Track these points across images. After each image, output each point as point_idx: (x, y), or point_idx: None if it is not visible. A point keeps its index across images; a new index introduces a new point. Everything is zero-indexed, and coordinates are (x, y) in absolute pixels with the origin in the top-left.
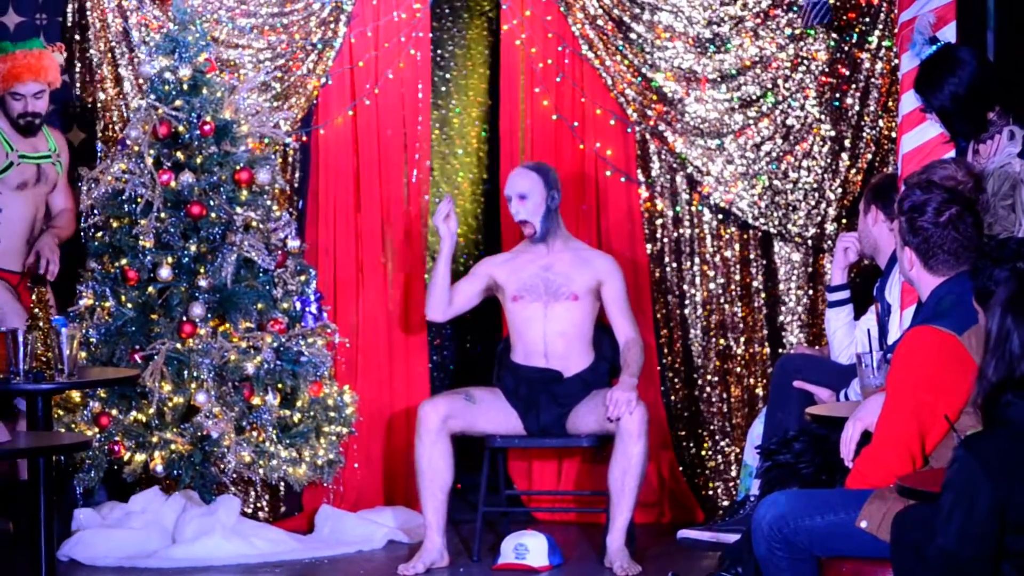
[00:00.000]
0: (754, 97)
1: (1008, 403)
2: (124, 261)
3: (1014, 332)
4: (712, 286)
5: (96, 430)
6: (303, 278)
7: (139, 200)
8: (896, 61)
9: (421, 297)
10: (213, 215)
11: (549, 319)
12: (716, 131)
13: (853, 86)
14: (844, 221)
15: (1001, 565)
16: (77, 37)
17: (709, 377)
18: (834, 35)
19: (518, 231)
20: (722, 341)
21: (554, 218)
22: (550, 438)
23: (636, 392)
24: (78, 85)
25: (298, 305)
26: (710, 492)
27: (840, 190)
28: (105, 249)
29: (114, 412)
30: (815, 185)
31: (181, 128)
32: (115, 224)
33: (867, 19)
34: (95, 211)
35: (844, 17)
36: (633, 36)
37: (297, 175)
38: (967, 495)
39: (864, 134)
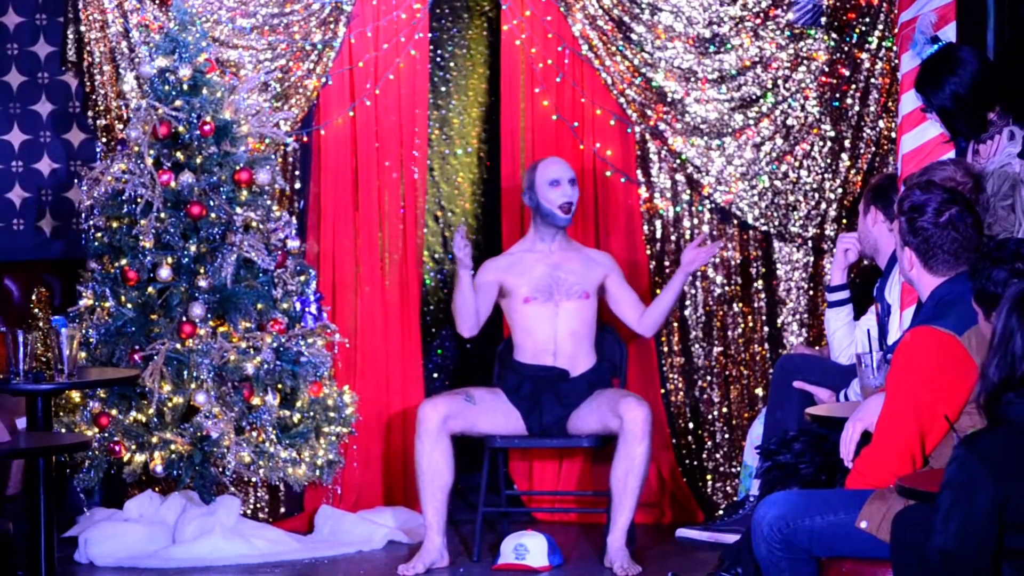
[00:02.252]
0: (754, 97)
1: (1009, 402)
2: (124, 261)
3: (1017, 332)
4: (712, 286)
5: (96, 430)
6: (303, 278)
7: (139, 200)
8: (896, 61)
9: (420, 297)
10: (213, 215)
11: (560, 318)
12: (716, 131)
13: (853, 86)
14: (844, 221)
15: (1000, 564)
16: (77, 36)
17: (709, 377)
18: (834, 35)
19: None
20: (722, 341)
21: None
22: (551, 438)
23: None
24: (79, 85)
25: (298, 305)
26: (710, 492)
27: (840, 190)
28: (105, 249)
29: (114, 412)
30: (815, 185)
31: (181, 128)
32: (115, 224)
33: (867, 19)
34: (95, 211)
35: (844, 17)
36: (633, 36)
37: (297, 175)
38: (966, 494)
39: (864, 134)
